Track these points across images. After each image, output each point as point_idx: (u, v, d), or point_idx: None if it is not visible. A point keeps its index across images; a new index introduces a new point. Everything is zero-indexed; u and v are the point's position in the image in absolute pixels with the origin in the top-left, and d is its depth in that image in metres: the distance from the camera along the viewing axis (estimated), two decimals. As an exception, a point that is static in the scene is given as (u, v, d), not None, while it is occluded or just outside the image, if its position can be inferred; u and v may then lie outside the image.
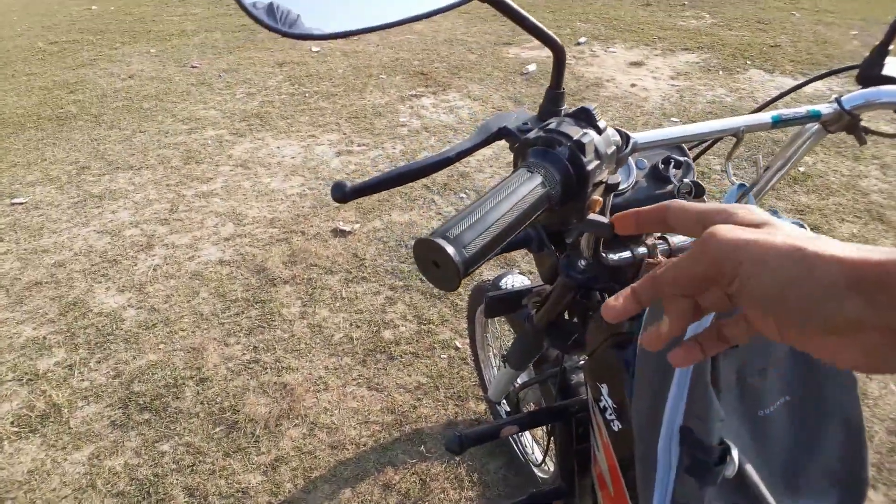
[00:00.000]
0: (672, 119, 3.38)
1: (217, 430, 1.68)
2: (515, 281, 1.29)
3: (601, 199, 0.50)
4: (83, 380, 1.86)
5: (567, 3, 5.95)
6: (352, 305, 2.09)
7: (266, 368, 1.86)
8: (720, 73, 4.03)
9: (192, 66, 4.51)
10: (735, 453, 0.52)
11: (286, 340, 1.96)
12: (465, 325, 1.96)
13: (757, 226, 0.33)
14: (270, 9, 0.46)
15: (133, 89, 4.14)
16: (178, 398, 1.78)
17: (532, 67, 4.13)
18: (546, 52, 3.67)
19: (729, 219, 0.34)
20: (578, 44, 4.65)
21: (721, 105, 3.52)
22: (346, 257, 2.33)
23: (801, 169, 2.85)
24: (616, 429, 0.73)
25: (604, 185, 0.50)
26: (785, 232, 0.31)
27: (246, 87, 4.06)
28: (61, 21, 6.04)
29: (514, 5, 0.50)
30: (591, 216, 0.50)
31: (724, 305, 0.35)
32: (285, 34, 0.46)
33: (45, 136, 3.49)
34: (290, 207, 2.68)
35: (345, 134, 3.33)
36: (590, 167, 0.46)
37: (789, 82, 3.89)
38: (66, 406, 1.76)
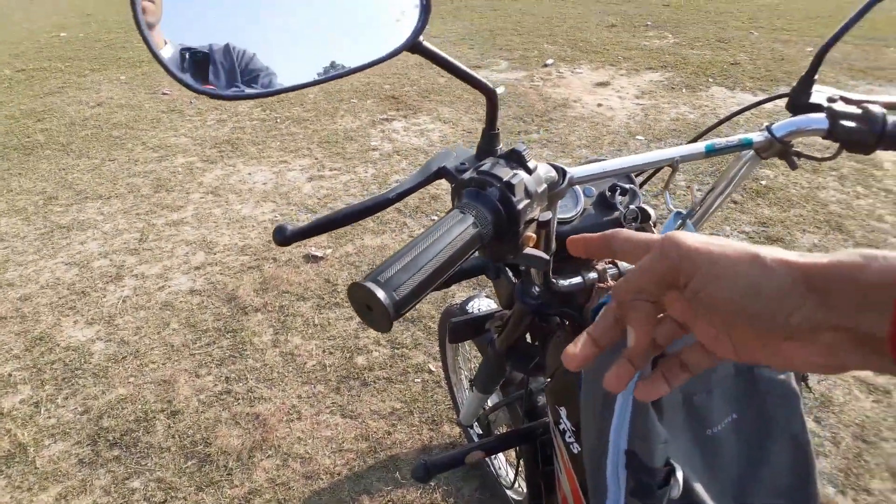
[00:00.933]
0: (637, 137, 3.46)
1: (189, 463, 1.66)
2: (482, 304, 1.31)
3: (534, 234, 0.52)
4: (50, 417, 1.82)
5: (534, 25, 6.09)
6: (324, 332, 2.09)
7: (238, 399, 1.84)
8: (683, 90, 4.14)
9: (163, 93, 4.49)
10: (680, 474, 0.54)
11: (258, 370, 1.95)
12: (438, 349, 1.97)
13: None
14: (201, 68, 0.47)
15: (102, 117, 4.11)
16: (148, 432, 1.75)
17: (500, 90, 4.21)
18: (514, 74, 3.75)
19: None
20: (546, 65, 4.75)
21: (685, 122, 3.62)
22: (319, 283, 2.33)
23: (764, 182, 2.94)
24: (576, 451, 0.75)
25: (536, 221, 0.52)
26: (737, 243, 0.32)
27: (217, 114, 4.06)
28: (29, 48, 5.98)
29: (444, 54, 0.53)
30: (527, 251, 0.52)
31: (683, 311, 0.35)
32: (213, 95, 0.47)
33: (11, 166, 3.44)
34: (261, 234, 2.67)
35: (316, 159, 3.34)
36: (520, 206, 0.48)
37: (750, 98, 4.02)
38: (31, 445, 1.72)
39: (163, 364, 1.99)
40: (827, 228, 2.58)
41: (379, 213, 2.89)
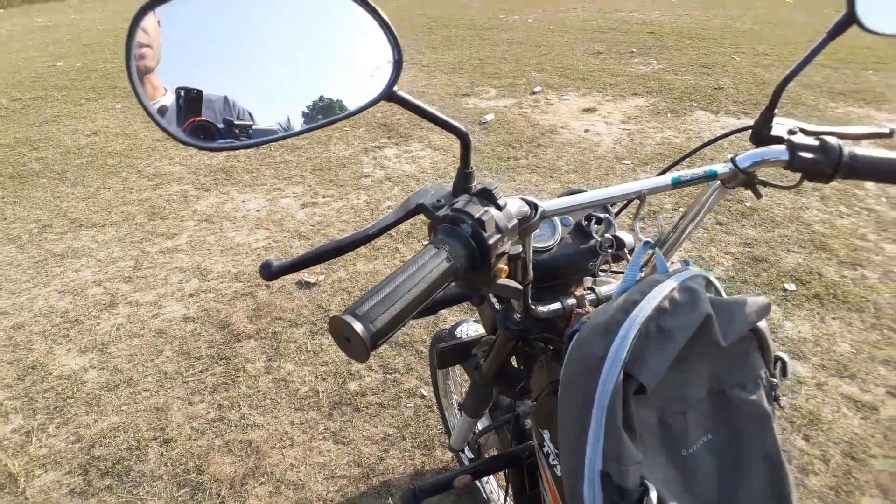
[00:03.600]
0: (624, 161, 3.53)
1: (181, 492, 1.66)
2: (470, 329, 1.33)
3: (506, 266, 0.55)
4: (41, 446, 1.81)
5: (522, 54, 6.22)
6: (317, 358, 2.10)
7: (231, 426, 1.85)
8: (668, 115, 4.23)
9: (157, 122, 4.54)
10: (654, 494, 0.56)
11: (251, 396, 1.95)
12: (430, 373, 1.99)
13: None
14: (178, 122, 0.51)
15: (98, 145, 4.15)
16: (141, 461, 1.75)
17: (490, 117, 4.29)
18: (503, 101, 3.84)
19: None
20: (534, 93, 4.85)
21: (670, 146, 3.69)
22: (311, 309, 2.35)
23: (748, 204, 3.00)
24: (559, 474, 0.77)
25: (506, 254, 0.55)
26: None
27: (211, 142, 4.10)
28: (25, 78, 6.04)
29: (418, 102, 0.57)
30: (501, 281, 0.55)
31: None
32: (199, 147, 0.51)
33: (6, 195, 3.46)
34: (255, 261, 2.70)
35: (309, 186, 3.39)
36: (490, 241, 0.51)
37: (733, 121, 4.11)
38: (22, 475, 1.72)
39: (156, 392, 2.00)
40: (811, 248, 2.63)
41: (371, 239, 2.93)
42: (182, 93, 0.54)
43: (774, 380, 0.68)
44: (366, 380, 2.00)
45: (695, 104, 4.42)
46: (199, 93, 0.53)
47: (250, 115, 0.54)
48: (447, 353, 0.99)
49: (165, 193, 3.40)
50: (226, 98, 0.54)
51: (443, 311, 2.29)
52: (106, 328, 2.32)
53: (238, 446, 1.78)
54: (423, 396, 1.92)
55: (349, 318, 0.42)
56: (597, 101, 4.61)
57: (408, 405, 1.89)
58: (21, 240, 2.97)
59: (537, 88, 4.91)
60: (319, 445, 1.78)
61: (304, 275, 2.54)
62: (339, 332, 0.43)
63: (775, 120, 0.79)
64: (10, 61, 6.84)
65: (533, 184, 3.32)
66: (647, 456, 0.59)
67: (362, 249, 2.71)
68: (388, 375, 2.01)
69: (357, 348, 0.42)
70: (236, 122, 0.54)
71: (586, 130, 4.02)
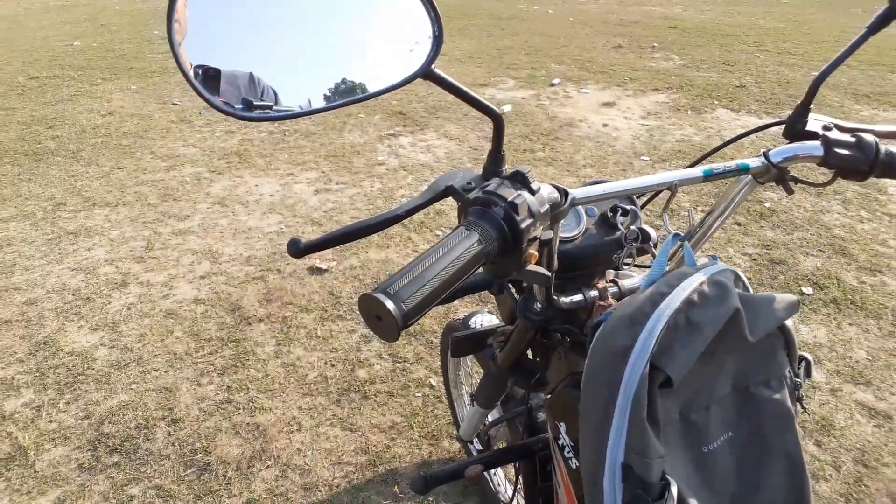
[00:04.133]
0: (642, 157, 3.49)
1: (188, 472, 1.66)
2: (484, 320, 1.32)
3: (537, 252, 0.53)
4: (51, 421, 1.82)
5: (542, 46, 6.15)
6: (327, 344, 2.10)
7: (239, 409, 1.85)
8: (689, 112, 4.18)
9: (173, 104, 4.55)
10: (674, 489, 0.55)
11: (260, 380, 1.95)
12: (440, 363, 1.98)
13: None
14: (221, 91, 0.50)
15: (112, 126, 4.16)
16: (148, 440, 1.76)
17: (507, 108, 4.25)
18: (521, 93, 3.80)
19: None
20: (552, 85, 4.80)
21: (690, 143, 3.64)
22: (322, 295, 2.34)
23: (767, 205, 2.95)
24: (574, 466, 0.76)
25: (538, 240, 0.53)
26: None
27: (226, 125, 4.11)
28: (43, 56, 6.07)
29: (454, 81, 0.55)
30: (529, 267, 0.53)
31: None
32: (238, 116, 0.49)
33: (22, 172, 3.48)
34: (266, 245, 2.69)
35: (323, 172, 3.38)
36: (523, 225, 0.50)
37: (755, 121, 4.05)
38: (32, 448, 1.73)
39: (165, 372, 2.00)
40: (830, 252, 2.59)
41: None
42: (199, 71, 0.52)
43: (798, 380, 0.67)
44: (375, 368, 1.99)
45: (716, 102, 4.36)
46: (218, 72, 0.52)
47: (275, 92, 0.52)
48: (463, 342, 0.97)
49: (179, 175, 3.40)
50: (251, 75, 0.52)
51: (454, 303, 2.27)
52: (117, 307, 2.32)
53: (245, 429, 1.78)
54: (432, 386, 1.91)
55: (381, 296, 0.40)
56: (616, 95, 4.55)
57: (416, 395, 1.88)
58: (35, 217, 2.98)
59: (556, 80, 4.86)
60: (327, 431, 1.77)
61: (316, 261, 2.54)
62: (370, 309, 0.42)
63: (810, 115, 0.77)
64: (27, 40, 6.87)
65: (550, 177, 3.29)
66: (668, 451, 0.58)
67: (375, 238, 2.70)
68: (397, 364, 2.00)
69: (388, 327, 0.41)
70: (256, 103, 0.53)
71: (605, 125, 3.97)
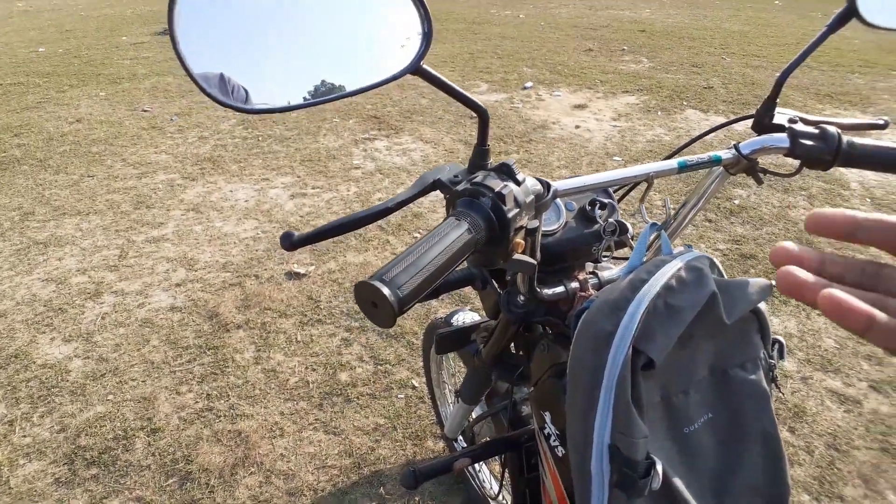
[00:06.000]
0: (615, 158, 3.55)
1: (170, 481, 1.64)
2: (466, 317, 1.33)
3: (523, 241, 0.55)
4: (25, 436, 1.78)
5: (514, 50, 6.22)
6: (307, 349, 2.09)
7: (220, 416, 1.83)
8: (659, 113, 4.26)
9: (144, 110, 4.48)
10: (659, 466, 0.57)
11: (240, 387, 1.94)
12: (422, 364, 1.98)
13: None
14: (223, 86, 0.50)
15: (81, 133, 4.08)
16: (127, 450, 1.73)
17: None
18: (495, 96, 3.84)
19: None
20: (525, 88, 4.85)
21: (660, 143, 3.72)
22: (301, 300, 2.33)
23: (737, 202, 3.03)
24: (560, 454, 0.77)
25: (524, 229, 0.55)
26: None
27: (198, 131, 4.06)
28: (6, 63, 5.92)
29: (442, 77, 0.56)
30: (516, 256, 0.55)
31: None
32: (239, 109, 0.50)
33: (-14, 183, 3.39)
34: (243, 251, 2.67)
35: (299, 177, 3.36)
36: (510, 215, 0.52)
37: (723, 120, 4.15)
38: (5, 465, 1.68)
39: (142, 381, 1.97)
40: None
41: (361, 232, 2.91)
42: (204, 80, 0.53)
43: (772, 361, 0.70)
44: (356, 371, 1.99)
45: (685, 103, 4.46)
46: (222, 81, 0.53)
47: (246, 91, 0.53)
48: (447, 338, 0.99)
49: (151, 182, 3.35)
50: (221, 75, 0.53)
51: (433, 303, 2.28)
52: (91, 317, 2.28)
53: (227, 436, 1.76)
54: (414, 387, 1.92)
55: (377, 283, 0.42)
56: (588, 97, 4.62)
57: (399, 396, 1.89)
58: (2, 227, 2.91)
59: (528, 84, 4.92)
60: (310, 436, 1.76)
61: (294, 265, 2.52)
62: (366, 296, 0.43)
63: (776, 109, 0.80)
64: (-10, 46, 6.69)
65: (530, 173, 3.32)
66: (651, 433, 0.60)
67: (352, 241, 2.69)
68: (379, 366, 2.00)
69: (383, 313, 0.42)
70: (254, 108, 0.54)
71: (577, 127, 4.03)
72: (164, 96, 4.80)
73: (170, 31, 0.48)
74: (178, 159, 3.64)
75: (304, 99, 0.53)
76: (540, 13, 8.39)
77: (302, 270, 2.49)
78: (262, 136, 3.94)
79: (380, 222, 2.83)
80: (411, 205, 2.98)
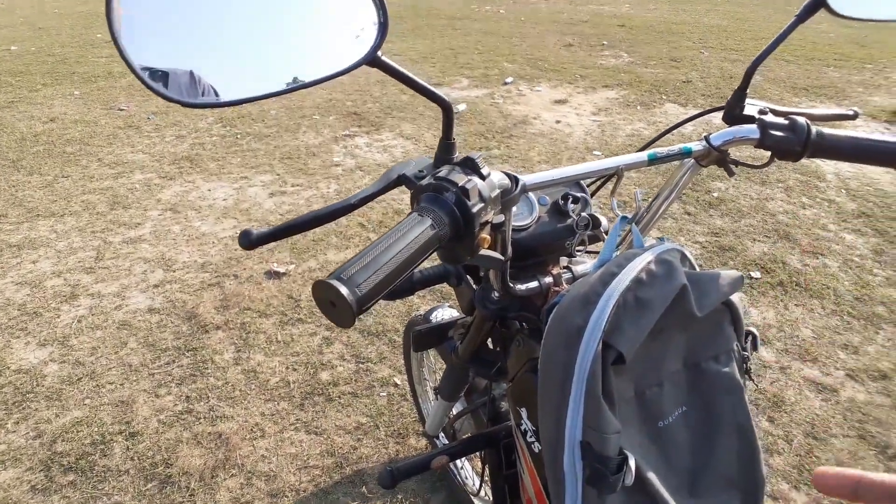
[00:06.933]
0: (595, 152, 3.56)
1: (149, 486, 1.61)
2: (445, 314, 1.33)
3: (489, 237, 0.54)
4: (0, 443, 1.74)
5: (494, 45, 6.21)
6: (288, 348, 2.07)
7: (199, 418, 1.81)
8: (638, 107, 4.29)
9: (120, 109, 4.40)
10: (632, 462, 0.57)
11: (220, 388, 1.91)
12: (403, 362, 1.97)
13: None
14: (166, 78, 0.49)
15: (55, 133, 4.00)
16: (105, 455, 1.70)
17: (462, 107, 4.27)
18: (476, 92, 3.82)
19: None
20: (505, 83, 4.85)
21: (640, 137, 3.74)
22: (281, 299, 2.31)
23: (716, 194, 3.06)
24: (537, 450, 0.77)
25: (490, 224, 0.54)
26: None
27: (176, 130, 4.00)
28: (-25, 64, 5.78)
29: (401, 69, 0.56)
30: (483, 252, 0.54)
31: None
32: (182, 104, 0.49)
33: (-43, 185, 3.31)
34: (221, 251, 2.64)
35: (278, 175, 3.33)
36: (474, 209, 0.51)
37: (701, 115, 4.18)
38: (-22, 473, 1.65)
39: (120, 385, 1.94)
40: (776, 237, 2.70)
41: (342, 229, 2.88)
42: (146, 74, 0.51)
43: (746, 353, 0.70)
44: (338, 369, 1.98)
45: (664, 97, 4.49)
46: (166, 74, 0.51)
47: (215, 90, 0.52)
48: (424, 335, 0.98)
49: (128, 182, 3.29)
50: (191, 73, 0.51)
51: (414, 300, 2.27)
52: (67, 320, 2.24)
53: (207, 438, 1.74)
54: (396, 385, 1.91)
55: (335, 282, 0.40)
56: (568, 92, 4.63)
57: (381, 394, 1.88)
58: (-26, 230, 2.84)
59: (509, 79, 4.91)
60: (291, 436, 1.75)
61: (274, 264, 2.50)
62: (324, 296, 0.41)
63: (747, 101, 0.80)
64: (-40, 45, 6.53)
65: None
66: (625, 428, 0.60)
67: (333, 239, 2.67)
68: (360, 365, 1.99)
69: (342, 313, 0.41)
70: (198, 102, 0.52)
71: (558, 121, 4.04)
72: (141, 94, 4.72)
73: (108, 22, 0.46)
74: (155, 158, 3.58)
75: (255, 93, 0.51)
76: (520, 8, 8.39)
77: (282, 269, 2.47)
78: (241, 133, 3.90)
79: (361, 219, 2.81)
80: (394, 200, 2.97)
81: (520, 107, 4.34)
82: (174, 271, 2.51)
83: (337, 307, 0.41)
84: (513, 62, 5.49)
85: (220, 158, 3.55)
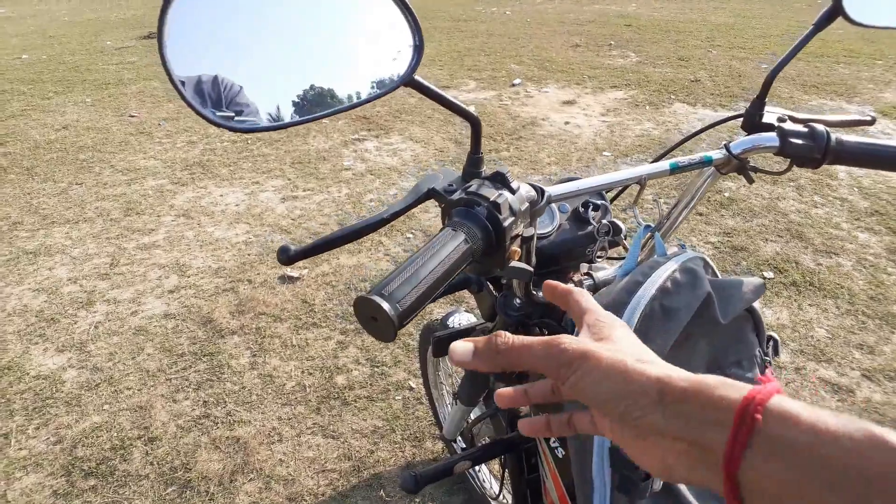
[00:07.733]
0: (604, 153, 3.56)
1: (169, 490, 1.63)
2: (462, 319, 1.34)
3: (519, 249, 0.55)
4: (21, 448, 1.77)
5: (501, 47, 6.22)
6: (303, 352, 2.09)
7: (217, 423, 1.83)
8: (647, 107, 4.28)
9: (131, 116, 4.44)
10: None
11: (237, 393, 1.93)
12: (419, 365, 1.98)
13: (601, 339, 0.38)
14: (213, 102, 0.50)
15: (68, 140, 4.04)
16: (125, 460, 1.72)
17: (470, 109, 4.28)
18: (483, 94, 3.84)
19: (587, 325, 0.40)
20: (513, 85, 4.85)
21: (649, 138, 3.74)
22: (295, 304, 2.33)
23: (727, 195, 3.05)
24: (560, 455, 0.78)
25: (520, 237, 0.55)
26: (617, 347, 0.37)
27: (187, 136, 4.03)
28: (-12, 73, 5.85)
29: (436, 88, 0.57)
30: (513, 264, 0.55)
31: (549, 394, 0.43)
32: (229, 128, 0.50)
33: (-27, 193, 3.35)
34: (235, 256, 2.66)
35: (289, 179, 3.35)
36: (505, 223, 0.52)
37: (710, 114, 4.18)
38: (2, 478, 1.67)
39: (138, 390, 1.96)
40: (788, 237, 2.69)
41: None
42: (186, 83, 0.53)
43: (767, 358, 0.70)
44: (353, 373, 1.99)
45: (673, 96, 4.48)
46: (219, 102, 0.53)
47: (267, 115, 0.53)
48: (443, 341, 0.99)
49: (141, 188, 3.33)
50: (237, 98, 0.53)
51: (429, 304, 2.28)
52: (84, 326, 2.26)
53: (225, 443, 1.76)
54: (411, 389, 1.92)
55: (377, 298, 0.42)
56: (576, 93, 4.63)
57: (397, 398, 1.89)
58: (-9, 237, 2.88)
59: (517, 81, 4.92)
60: (308, 440, 1.76)
61: (287, 269, 2.52)
62: (366, 312, 0.43)
63: (766, 108, 0.81)
64: (-28, 54, 6.61)
65: (516, 176, 3.33)
66: None
67: (346, 244, 2.68)
68: (375, 369, 2.00)
69: (384, 328, 0.42)
70: (246, 106, 0.53)
71: (566, 123, 4.04)
72: (152, 101, 4.76)
73: (158, 37, 0.47)
74: (167, 164, 3.61)
75: (298, 116, 0.53)
76: (526, 9, 8.40)
77: (295, 274, 2.48)
78: (252, 139, 3.92)
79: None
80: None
81: (528, 108, 4.34)
82: (189, 277, 2.53)
83: (379, 322, 0.42)
84: (520, 63, 5.50)
85: (232, 164, 3.57)
